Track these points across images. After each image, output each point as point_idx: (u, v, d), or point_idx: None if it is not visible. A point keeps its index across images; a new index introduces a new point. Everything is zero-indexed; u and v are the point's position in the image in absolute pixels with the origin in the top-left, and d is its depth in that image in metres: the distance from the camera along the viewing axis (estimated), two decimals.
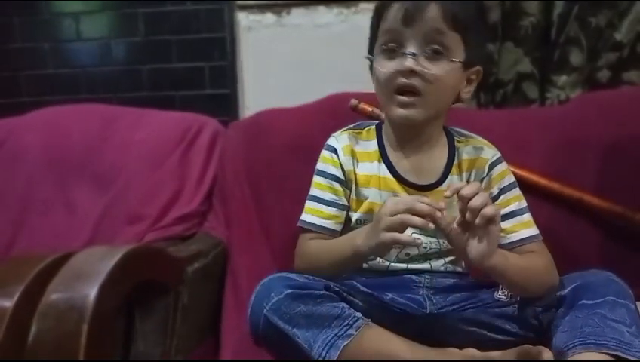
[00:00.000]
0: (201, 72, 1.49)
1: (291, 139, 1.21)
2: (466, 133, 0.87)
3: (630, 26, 1.22)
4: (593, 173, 1.13)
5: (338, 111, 1.18)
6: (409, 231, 0.74)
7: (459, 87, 0.79)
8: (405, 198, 0.73)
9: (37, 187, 1.33)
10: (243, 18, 1.45)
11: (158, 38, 1.49)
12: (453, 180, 0.82)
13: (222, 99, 1.49)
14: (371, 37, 0.81)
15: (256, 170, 1.22)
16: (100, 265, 0.75)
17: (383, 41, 0.76)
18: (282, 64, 1.44)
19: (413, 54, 0.73)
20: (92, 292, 0.71)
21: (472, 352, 0.78)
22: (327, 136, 0.90)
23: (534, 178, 1.12)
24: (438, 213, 0.68)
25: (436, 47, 0.74)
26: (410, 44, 0.74)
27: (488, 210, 0.65)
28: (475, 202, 0.65)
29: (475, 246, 0.68)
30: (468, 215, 0.66)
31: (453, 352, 0.78)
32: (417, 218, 0.68)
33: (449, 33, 0.74)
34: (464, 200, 0.66)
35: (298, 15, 1.42)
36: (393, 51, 0.75)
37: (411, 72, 0.73)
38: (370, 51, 0.82)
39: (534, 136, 1.18)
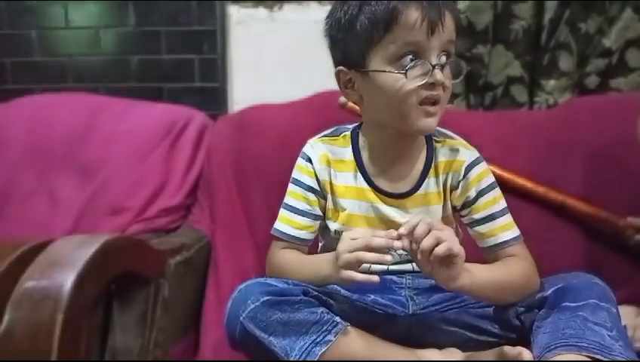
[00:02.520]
0: (190, 65, 1.47)
1: (279, 135, 1.21)
2: (444, 131, 0.84)
3: (619, 33, 1.23)
4: (579, 177, 1.13)
5: (327, 109, 1.17)
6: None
7: None
8: (362, 232, 0.71)
9: (19, 176, 1.31)
10: (234, 11, 1.44)
11: (148, 28, 1.47)
12: (430, 183, 0.81)
13: (211, 93, 1.47)
14: (367, 41, 0.73)
15: (243, 165, 1.21)
16: (78, 254, 0.73)
17: (400, 53, 0.72)
18: (273, 59, 1.43)
19: (441, 66, 0.72)
20: (68, 281, 0.70)
21: (453, 352, 0.78)
22: (315, 133, 0.89)
23: (520, 181, 1.12)
24: (397, 243, 0.67)
25: (447, 54, 0.73)
26: (432, 55, 0.71)
27: (439, 250, 0.65)
28: (424, 244, 0.66)
29: (438, 272, 0.68)
30: (419, 255, 0.66)
31: (434, 353, 0.77)
32: (371, 254, 0.68)
33: (454, 40, 0.74)
34: (416, 241, 0.66)
35: (290, 10, 1.42)
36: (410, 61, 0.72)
37: (439, 84, 0.72)
38: (356, 60, 0.75)
39: (522, 139, 1.19)
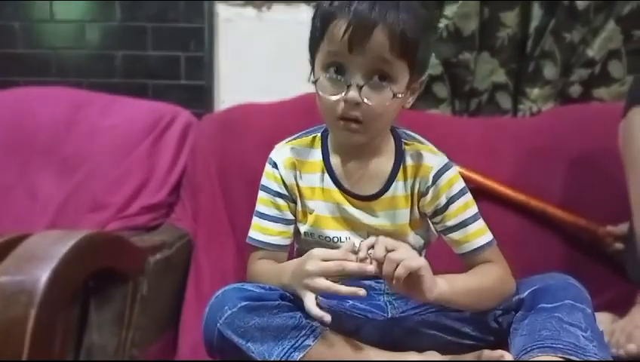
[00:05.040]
0: (176, 62, 1.46)
1: (265, 135, 1.19)
2: (414, 135, 0.83)
3: (602, 44, 1.25)
4: (561, 184, 1.15)
5: (313, 110, 1.16)
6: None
7: (402, 105, 0.76)
8: (333, 254, 0.69)
9: None
10: (222, 10, 1.44)
11: (135, 24, 1.46)
12: (398, 186, 0.79)
13: (197, 91, 1.46)
14: (313, 39, 0.74)
15: (227, 165, 1.21)
16: (55, 249, 0.72)
17: (326, 63, 0.71)
18: (260, 59, 1.43)
19: (359, 86, 0.69)
20: (43, 276, 0.68)
21: (433, 356, 0.78)
22: None
23: (501, 188, 1.13)
24: (370, 268, 0.66)
25: (381, 76, 0.70)
26: (354, 73, 0.69)
27: (399, 272, 0.65)
28: (386, 271, 0.66)
29: (410, 290, 0.68)
30: (386, 264, 0.66)
31: (413, 357, 0.77)
32: (345, 288, 0.67)
33: (395, 62, 0.69)
34: (378, 261, 0.66)
35: (278, 10, 1.42)
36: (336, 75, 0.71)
37: (356, 104, 0.69)
38: (312, 49, 0.76)
39: (506, 146, 1.20)
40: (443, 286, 0.70)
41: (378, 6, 0.67)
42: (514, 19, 1.27)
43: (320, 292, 0.69)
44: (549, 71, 1.28)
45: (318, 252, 0.70)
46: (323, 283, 0.67)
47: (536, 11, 1.26)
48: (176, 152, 1.28)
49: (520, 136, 1.21)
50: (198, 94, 1.46)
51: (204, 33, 1.44)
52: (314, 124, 0.90)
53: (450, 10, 1.25)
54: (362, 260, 0.67)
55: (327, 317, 0.67)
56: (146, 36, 1.46)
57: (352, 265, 0.67)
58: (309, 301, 0.68)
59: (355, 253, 0.68)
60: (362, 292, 0.67)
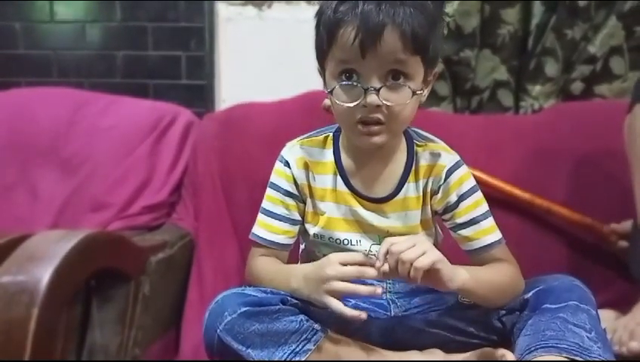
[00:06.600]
0: (177, 62, 1.47)
1: (266, 134, 1.20)
2: (426, 135, 0.82)
3: (604, 40, 1.25)
4: (563, 181, 1.14)
5: (314, 109, 1.16)
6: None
7: (420, 100, 0.75)
8: (352, 257, 0.71)
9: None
10: (223, 9, 1.44)
11: (135, 24, 1.46)
12: (409, 188, 0.79)
13: (197, 90, 1.47)
14: (320, 49, 0.73)
15: (229, 164, 1.21)
16: (56, 248, 0.72)
17: (338, 71, 0.70)
18: (261, 58, 1.43)
19: (376, 89, 0.68)
20: (45, 276, 0.68)
21: (435, 353, 0.78)
22: (302, 132, 0.88)
23: (507, 188, 1.12)
24: (385, 267, 0.67)
25: (398, 76, 0.69)
26: (369, 77, 0.68)
27: (413, 274, 0.65)
28: (402, 271, 0.66)
29: (432, 281, 0.68)
30: (400, 267, 0.66)
31: (415, 355, 0.77)
32: (364, 288, 0.68)
33: (410, 59, 0.69)
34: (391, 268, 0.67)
35: (279, 9, 1.42)
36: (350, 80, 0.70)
37: (376, 107, 0.69)
38: (320, 59, 0.74)
39: (508, 143, 1.19)
40: (464, 275, 0.70)
41: (384, 5, 0.66)
42: (515, 16, 1.26)
43: (341, 295, 0.69)
44: (551, 68, 1.27)
45: (336, 257, 0.71)
46: (341, 285, 0.68)
47: (538, 8, 1.26)
48: (177, 152, 1.28)
49: (522, 134, 1.21)
50: (198, 94, 1.47)
51: (205, 32, 1.44)
52: (316, 121, 0.89)
53: (450, 7, 1.25)
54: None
55: (364, 315, 0.68)
56: (147, 36, 1.46)
57: (372, 272, 0.68)
58: (337, 304, 0.69)
59: (373, 265, 0.69)
60: (379, 290, 0.69)
